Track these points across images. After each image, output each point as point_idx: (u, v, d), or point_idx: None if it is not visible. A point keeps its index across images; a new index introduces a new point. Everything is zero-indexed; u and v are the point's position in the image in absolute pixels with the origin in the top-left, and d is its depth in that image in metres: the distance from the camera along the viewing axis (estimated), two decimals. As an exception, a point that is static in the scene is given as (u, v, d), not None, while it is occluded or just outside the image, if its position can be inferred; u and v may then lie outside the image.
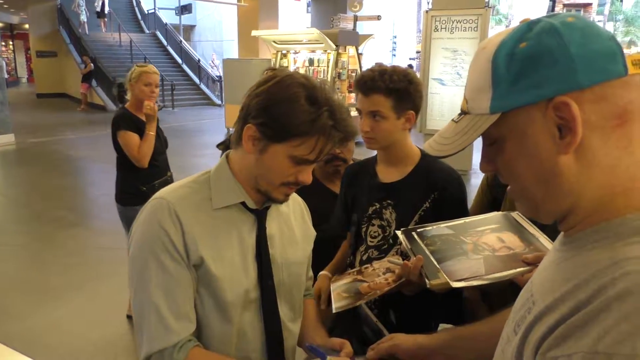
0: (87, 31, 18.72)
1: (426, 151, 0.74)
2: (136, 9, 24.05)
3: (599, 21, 30.29)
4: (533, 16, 0.67)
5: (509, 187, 0.70)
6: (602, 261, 0.57)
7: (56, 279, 4.23)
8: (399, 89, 1.56)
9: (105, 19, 19.79)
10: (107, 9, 19.65)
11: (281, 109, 1.08)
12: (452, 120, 0.72)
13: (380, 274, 1.40)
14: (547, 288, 0.64)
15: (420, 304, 1.50)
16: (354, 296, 1.35)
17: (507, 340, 0.71)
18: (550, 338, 0.57)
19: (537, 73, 0.60)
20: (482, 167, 0.72)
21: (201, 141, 11.53)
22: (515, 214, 1.31)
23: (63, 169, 8.58)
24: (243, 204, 1.20)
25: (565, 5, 30.59)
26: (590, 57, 0.59)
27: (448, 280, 1.12)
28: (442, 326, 1.60)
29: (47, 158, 9.23)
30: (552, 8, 11.65)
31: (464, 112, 0.70)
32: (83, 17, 18.76)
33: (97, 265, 4.55)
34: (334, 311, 1.32)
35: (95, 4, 19.37)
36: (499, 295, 1.35)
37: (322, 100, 1.09)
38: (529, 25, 0.63)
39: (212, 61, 21.28)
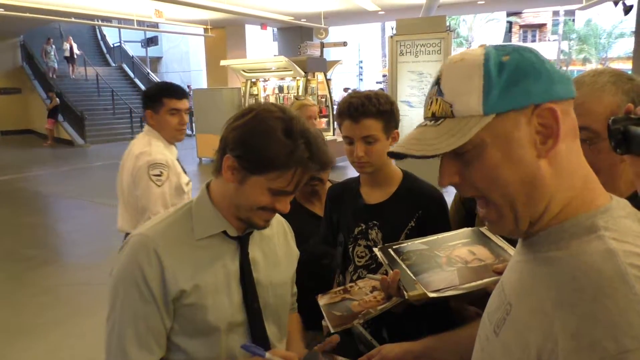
0: (54, 75, 18.35)
1: (403, 153, 0.72)
2: (101, 42, 23.94)
3: (554, 40, 31.57)
4: (492, 38, 0.74)
5: (480, 212, 0.73)
6: (561, 260, 0.65)
7: (32, 318, 4.11)
8: (386, 111, 1.62)
9: (75, 64, 19.38)
10: (76, 52, 19.26)
11: (258, 142, 1.11)
12: (424, 125, 0.74)
13: (368, 292, 1.44)
14: (518, 289, 0.70)
15: (410, 321, 1.54)
16: (347, 315, 1.38)
17: (486, 339, 0.76)
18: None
19: (525, 81, 0.67)
20: (445, 180, 0.73)
21: (173, 172, 11.43)
22: (484, 229, 1.38)
23: (32, 207, 8.39)
24: (225, 232, 1.23)
25: (521, 27, 31.82)
26: (560, 75, 0.68)
27: (425, 291, 1.16)
28: None
29: (14, 196, 9.01)
30: (509, 29, 12.15)
31: (442, 117, 0.71)
32: (53, 64, 18.39)
33: (72, 302, 4.44)
34: (332, 331, 1.35)
35: (64, 47, 18.96)
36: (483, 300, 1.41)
37: (298, 133, 1.12)
38: (495, 47, 0.70)
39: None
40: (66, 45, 18.93)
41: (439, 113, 0.71)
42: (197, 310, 1.17)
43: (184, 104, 2.57)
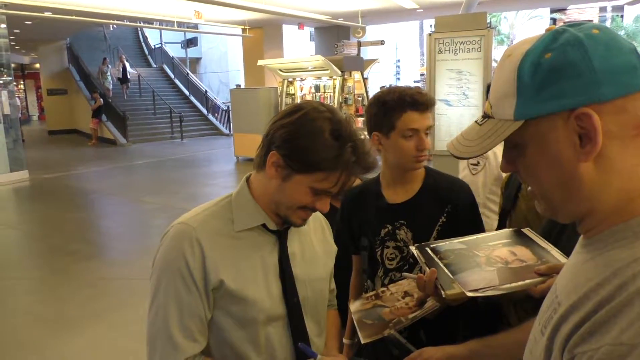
0: (110, 97, 17.92)
1: (449, 151, 0.76)
2: (143, 44, 24.58)
3: (600, 37, 30.24)
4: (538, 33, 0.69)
5: (528, 188, 0.73)
6: (622, 259, 0.60)
7: (73, 311, 4.26)
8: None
9: (128, 84, 19.06)
10: (130, 70, 18.94)
11: (306, 142, 1.11)
12: (476, 122, 0.74)
13: (400, 298, 1.41)
14: (571, 289, 0.66)
15: (449, 321, 1.50)
16: (379, 324, 1.36)
17: (534, 341, 0.73)
18: (577, 335, 0.59)
19: (560, 84, 0.62)
20: (503, 167, 0.75)
21: (211, 170, 11.64)
22: (526, 230, 1.33)
23: (76, 203, 8.68)
24: (264, 225, 1.24)
25: (565, 23, 30.78)
26: (612, 72, 0.61)
27: (463, 290, 1.13)
28: None
29: (60, 193, 9.36)
30: (553, 26, 11.76)
31: (487, 116, 0.72)
32: (108, 85, 18.25)
33: (113, 296, 4.57)
34: (362, 342, 1.33)
35: (116, 69, 18.83)
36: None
37: (346, 135, 1.12)
38: (554, 35, 0.65)
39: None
40: (119, 66, 18.56)
41: (487, 111, 0.73)
42: (236, 301, 1.18)
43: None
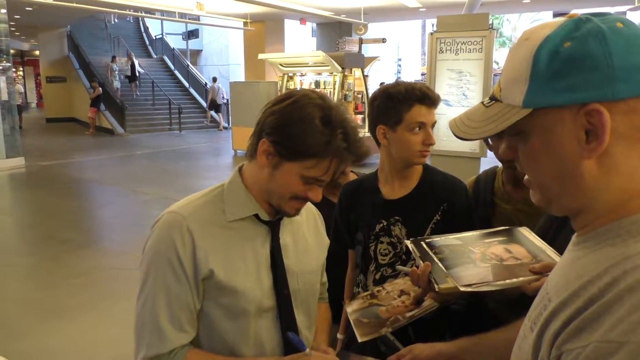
0: (119, 96, 17.42)
1: (451, 129, 0.74)
2: (144, 34, 24.50)
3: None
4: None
5: (525, 177, 0.72)
6: (614, 257, 0.59)
7: (66, 299, 4.24)
8: None
9: (137, 83, 18.74)
10: (138, 71, 18.61)
11: (295, 129, 1.10)
12: (482, 103, 0.72)
13: (396, 297, 1.41)
14: (562, 286, 0.65)
15: (438, 319, 1.50)
16: (375, 322, 1.35)
17: (523, 337, 0.72)
18: (566, 331, 0.58)
19: (576, 76, 0.60)
20: (503, 153, 0.73)
21: (208, 163, 11.62)
22: (522, 229, 1.34)
23: (72, 192, 8.65)
24: (256, 216, 1.22)
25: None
26: (630, 70, 0.59)
27: (456, 284, 1.13)
28: None
29: (56, 181, 9.32)
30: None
31: (495, 99, 0.70)
32: (117, 84, 18.01)
33: (106, 286, 4.55)
34: (359, 341, 1.32)
35: (125, 67, 18.66)
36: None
37: (336, 122, 1.10)
38: (576, 24, 0.62)
39: None
40: (127, 63, 18.24)
41: (495, 93, 0.70)
42: (226, 292, 1.16)
43: None
